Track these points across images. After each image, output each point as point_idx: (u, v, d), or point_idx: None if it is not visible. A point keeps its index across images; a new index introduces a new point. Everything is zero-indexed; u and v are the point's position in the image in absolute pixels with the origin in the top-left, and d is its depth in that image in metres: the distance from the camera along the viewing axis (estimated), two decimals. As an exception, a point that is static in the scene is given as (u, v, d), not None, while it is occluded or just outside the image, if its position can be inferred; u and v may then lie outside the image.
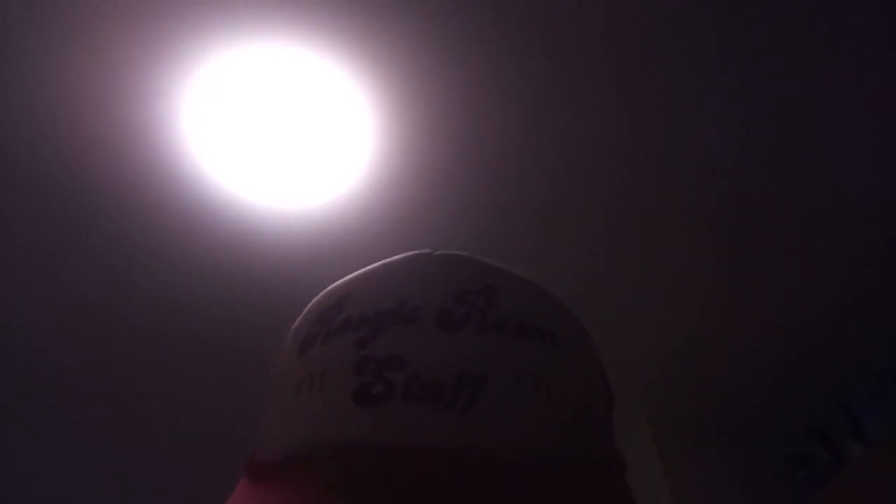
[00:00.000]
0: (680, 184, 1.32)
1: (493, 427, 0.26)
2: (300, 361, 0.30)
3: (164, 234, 1.30)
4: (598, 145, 1.24)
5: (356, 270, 0.35)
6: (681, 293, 1.57)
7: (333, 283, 0.35)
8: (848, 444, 1.64)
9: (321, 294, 0.34)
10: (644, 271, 1.51)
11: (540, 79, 1.13)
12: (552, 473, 0.26)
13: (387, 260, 0.34)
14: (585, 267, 1.47)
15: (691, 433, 1.89)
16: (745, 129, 1.24)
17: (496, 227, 1.35)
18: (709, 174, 1.31)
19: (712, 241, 1.45)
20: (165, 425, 1.71)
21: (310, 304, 0.34)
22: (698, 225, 1.40)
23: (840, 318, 1.67)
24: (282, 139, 1.17)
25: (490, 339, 0.28)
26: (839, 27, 1.10)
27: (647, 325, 1.65)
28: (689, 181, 1.32)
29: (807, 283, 1.57)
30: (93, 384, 1.58)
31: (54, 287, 1.38)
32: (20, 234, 1.28)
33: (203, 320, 1.46)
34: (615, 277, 1.51)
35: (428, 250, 0.34)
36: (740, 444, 1.93)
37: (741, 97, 1.19)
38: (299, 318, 0.33)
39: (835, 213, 1.40)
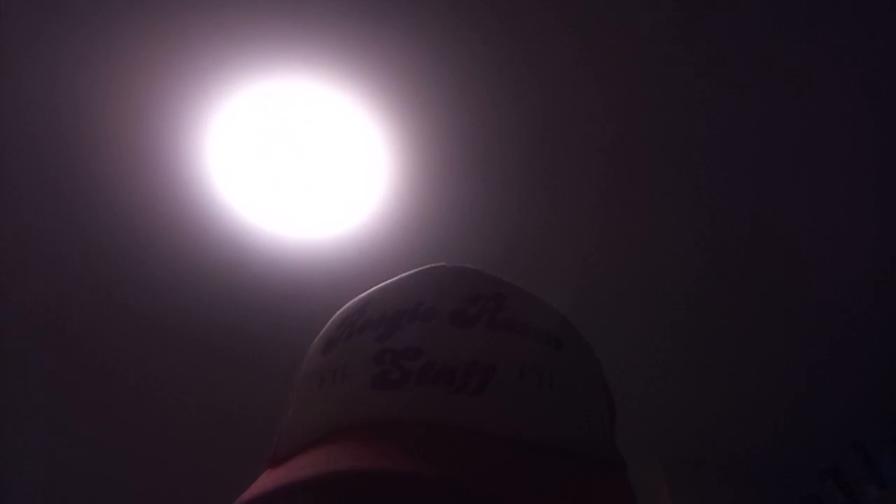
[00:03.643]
0: (683, 208, 1.35)
1: (501, 410, 0.28)
2: (324, 360, 0.32)
3: (185, 258, 1.34)
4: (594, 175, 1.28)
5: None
6: (693, 333, 1.57)
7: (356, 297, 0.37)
8: (863, 486, 1.61)
9: (344, 306, 0.37)
10: (654, 307, 1.51)
11: (548, 116, 1.18)
12: (556, 461, 0.28)
13: (405, 273, 0.37)
14: (592, 302, 1.49)
15: (704, 475, 1.86)
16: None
17: (506, 256, 1.38)
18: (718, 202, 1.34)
19: (721, 280, 1.46)
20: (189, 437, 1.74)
21: (334, 315, 0.37)
22: (704, 255, 1.42)
23: (854, 357, 1.66)
24: (301, 172, 1.22)
25: (498, 335, 0.31)
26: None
27: (659, 368, 1.65)
28: (700, 183, 1.34)
29: (820, 322, 1.57)
30: (131, 397, 1.62)
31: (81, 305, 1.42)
32: (48, 260, 1.32)
33: (224, 341, 1.50)
34: (624, 312, 1.52)
35: (443, 263, 0.37)
36: (754, 485, 1.90)
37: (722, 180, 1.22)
38: (324, 328, 0.36)
39: (847, 244, 1.41)
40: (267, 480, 0.27)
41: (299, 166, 1.21)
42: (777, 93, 1.16)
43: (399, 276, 0.36)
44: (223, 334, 1.49)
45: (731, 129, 1.21)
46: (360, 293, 0.38)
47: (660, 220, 1.34)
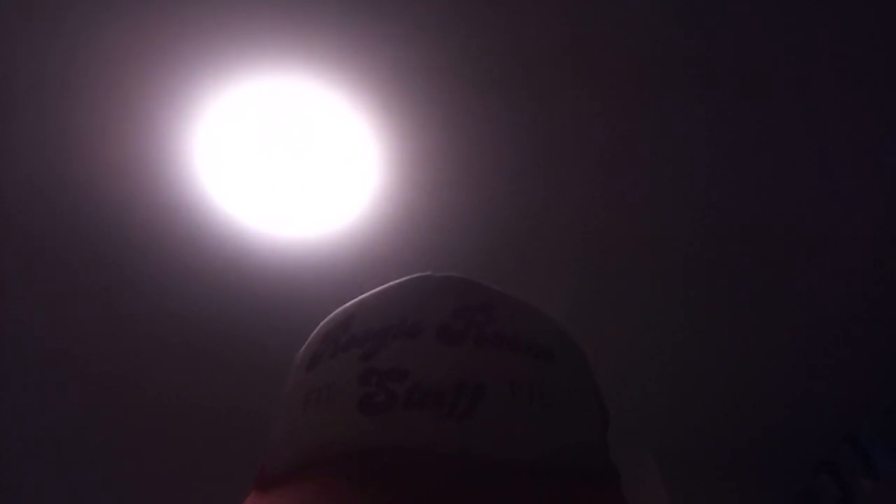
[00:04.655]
0: (678, 205, 1.34)
1: (492, 433, 0.27)
2: (308, 376, 0.32)
3: (176, 257, 1.33)
4: (593, 175, 1.27)
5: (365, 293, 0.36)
6: (688, 329, 1.57)
7: (341, 306, 0.37)
8: (857, 479, 1.62)
9: (329, 316, 0.36)
10: (649, 305, 1.51)
11: (540, 114, 1.17)
12: (548, 479, 0.27)
13: (390, 283, 0.36)
14: (585, 301, 1.49)
15: (699, 470, 1.86)
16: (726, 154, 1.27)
17: (499, 256, 1.37)
18: (706, 196, 1.33)
19: (716, 277, 1.46)
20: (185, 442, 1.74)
21: (318, 326, 0.36)
22: (698, 258, 1.42)
23: (848, 352, 1.66)
24: (294, 171, 1.21)
25: (488, 351, 0.30)
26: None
27: (655, 362, 1.65)
28: (699, 182, 1.33)
29: (814, 318, 1.57)
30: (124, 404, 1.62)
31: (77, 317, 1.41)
32: (41, 266, 1.31)
33: (218, 341, 1.49)
34: (619, 311, 1.52)
35: (429, 272, 0.36)
36: (750, 480, 1.91)
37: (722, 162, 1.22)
38: (309, 339, 0.35)
39: (841, 238, 1.41)
40: None
41: (291, 165, 1.20)
42: (776, 90, 1.16)
43: (383, 287, 0.36)
44: (217, 335, 1.48)
45: (729, 126, 1.20)
46: (352, 292, 0.37)
47: (657, 219, 1.34)
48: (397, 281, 0.36)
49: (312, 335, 0.35)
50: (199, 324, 1.45)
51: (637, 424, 1.79)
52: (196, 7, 1.00)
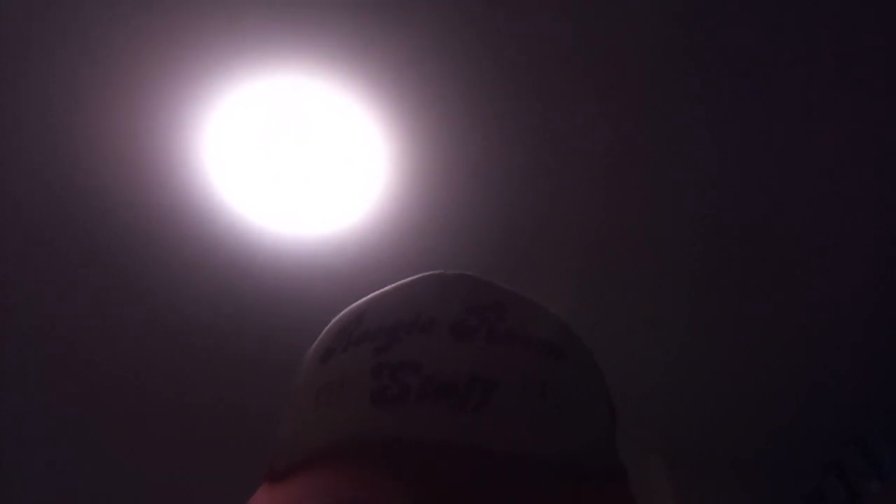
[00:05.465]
0: (680, 205, 1.34)
1: (503, 426, 0.27)
2: (320, 370, 0.32)
3: (183, 256, 1.33)
4: (597, 175, 1.28)
5: (373, 292, 0.37)
6: (695, 328, 1.57)
7: (351, 304, 0.37)
8: (865, 480, 1.61)
9: (341, 313, 0.36)
10: (656, 304, 1.51)
11: (546, 112, 1.17)
12: (558, 476, 0.27)
13: (403, 280, 0.36)
14: (592, 300, 1.49)
15: (706, 471, 1.86)
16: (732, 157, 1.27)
17: (507, 254, 1.37)
18: (712, 197, 1.34)
19: (722, 276, 1.46)
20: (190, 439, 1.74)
21: (330, 322, 0.36)
22: (702, 257, 1.42)
23: (856, 352, 1.66)
24: (299, 169, 1.22)
25: (500, 347, 0.30)
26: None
27: (661, 361, 1.65)
28: (700, 179, 1.33)
29: (821, 319, 1.56)
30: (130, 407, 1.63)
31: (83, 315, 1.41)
32: (46, 263, 1.31)
33: (225, 340, 1.49)
34: (625, 310, 1.52)
35: (441, 271, 0.36)
36: (757, 480, 1.90)
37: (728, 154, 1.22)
38: (320, 335, 0.36)
39: (844, 238, 1.41)
40: (263, 501, 0.26)
41: (298, 163, 1.21)
42: (777, 91, 1.16)
43: (397, 284, 0.36)
44: (223, 333, 1.48)
45: (730, 127, 1.21)
46: (359, 290, 0.37)
47: (660, 219, 1.34)
48: (410, 278, 0.36)
49: (324, 331, 0.35)
50: (205, 321, 1.45)
51: (643, 425, 1.78)
52: (203, 5, 1.00)
